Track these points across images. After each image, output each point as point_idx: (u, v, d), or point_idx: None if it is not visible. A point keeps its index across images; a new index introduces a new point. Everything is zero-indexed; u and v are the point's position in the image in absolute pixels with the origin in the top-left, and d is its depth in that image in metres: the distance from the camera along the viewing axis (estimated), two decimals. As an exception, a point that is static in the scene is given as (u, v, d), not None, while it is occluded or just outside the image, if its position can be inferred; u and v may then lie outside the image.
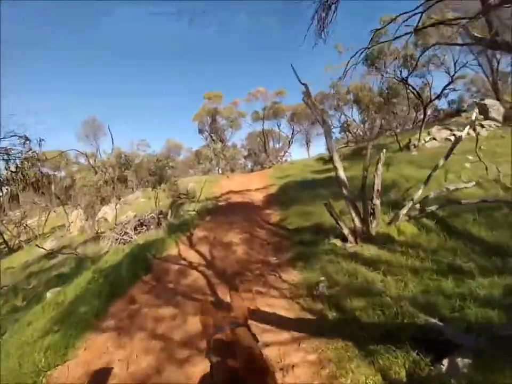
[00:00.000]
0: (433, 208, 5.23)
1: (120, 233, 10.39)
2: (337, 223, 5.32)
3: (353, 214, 5.23)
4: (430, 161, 11.99)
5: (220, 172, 25.71)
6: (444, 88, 16.83)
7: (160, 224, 10.48)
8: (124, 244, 10.20)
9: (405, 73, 17.58)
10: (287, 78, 68.38)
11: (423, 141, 15.87)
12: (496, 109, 17.91)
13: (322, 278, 4.40)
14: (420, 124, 22.68)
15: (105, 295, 6.08)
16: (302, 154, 43.53)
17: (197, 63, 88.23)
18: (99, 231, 13.66)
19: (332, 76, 28.39)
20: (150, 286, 6.16)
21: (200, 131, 28.11)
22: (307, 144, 39.18)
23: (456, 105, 21.73)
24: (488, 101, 18.58)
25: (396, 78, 17.43)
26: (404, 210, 5.27)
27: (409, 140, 17.08)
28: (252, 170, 38.22)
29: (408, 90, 18.42)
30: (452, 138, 16.91)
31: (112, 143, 22.96)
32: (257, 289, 5.07)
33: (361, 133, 27.90)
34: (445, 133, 17.56)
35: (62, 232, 21.14)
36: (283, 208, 10.52)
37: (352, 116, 29.29)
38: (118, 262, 7.91)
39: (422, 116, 21.55)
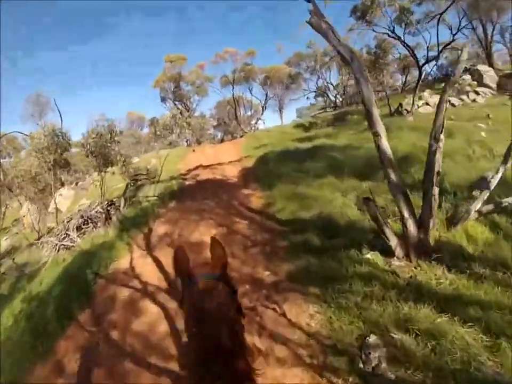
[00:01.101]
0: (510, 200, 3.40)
1: (61, 237, 8.02)
2: (382, 230, 3.36)
3: (406, 213, 3.28)
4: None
5: (187, 144, 23.06)
6: (445, 47, 14.97)
7: (110, 219, 8.18)
8: (68, 249, 7.89)
9: (397, 30, 15.55)
10: (257, 38, 63.57)
11: (416, 106, 14.21)
12: (490, 75, 16.67)
13: (374, 338, 2.49)
14: (410, 87, 21.02)
15: (18, 365, 4.04)
16: (275, 121, 41.09)
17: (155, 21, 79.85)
18: (43, 232, 11.01)
19: (308, 34, 25.86)
20: (86, 335, 4.06)
21: (163, 99, 24.82)
22: (280, 110, 36.76)
23: (445, 70, 20.07)
24: (481, 67, 17.24)
25: (389, 34, 15.29)
26: (477, 205, 3.40)
27: (400, 104, 15.40)
28: (222, 141, 35.50)
29: (399, 51, 16.58)
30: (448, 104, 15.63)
31: (61, 120, 19.48)
32: (251, 341, 3.14)
33: (340, 98, 25.87)
34: (438, 98, 16.15)
35: (18, 228, 18.33)
36: (266, 187, 8.49)
37: (330, 79, 27.09)
38: (51, 286, 5.78)
39: (411, 79, 19.94)
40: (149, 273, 5.10)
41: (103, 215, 8.11)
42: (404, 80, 20.39)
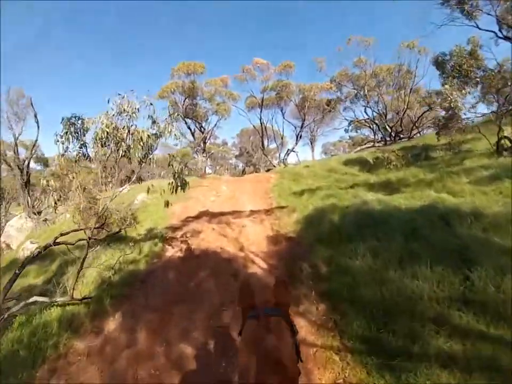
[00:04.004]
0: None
1: None
2: None
3: None
4: None
5: (204, 171, 18.03)
6: None
7: None
8: None
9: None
10: (293, 52, 59.44)
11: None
12: None
13: None
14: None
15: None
16: (303, 155, 35.70)
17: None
18: None
19: (358, 50, 21.01)
20: None
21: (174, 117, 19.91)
22: (311, 142, 31.60)
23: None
24: None
25: (497, 33, 10.12)
26: None
27: (504, 137, 9.87)
28: (243, 172, 30.34)
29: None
30: None
31: (38, 127, 14.77)
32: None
33: (391, 129, 20.30)
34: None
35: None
36: (376, 342, 2.89)
37: (381, 107, 21.84)
38: None
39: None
40: None
41: None
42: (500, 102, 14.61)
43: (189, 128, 18.93)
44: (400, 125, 19.86)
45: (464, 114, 12.48)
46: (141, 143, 3.73)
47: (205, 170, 24.55)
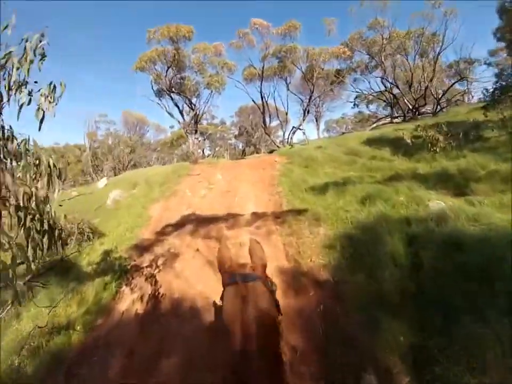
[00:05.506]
0: None
1: None
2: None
3: None
4: None
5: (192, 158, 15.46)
6: None
7: None
8: None
9: None
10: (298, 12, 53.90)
11: None
12: None
13: None
14: None
15: None
16: (307, 133, 32.74)
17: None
18: None
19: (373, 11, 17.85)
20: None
21: (159, 93, 17.00)
22: (317, 119, 28.73)
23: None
24: None
25: None
26: None
27: None
28: (243, 153, 27.76)
29: None
30: None
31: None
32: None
33: (415, 103, 17.49)
34: None
35: None
36: None
37: (396, 75, 19.01)
38: None
39: None
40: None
41: None
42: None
43: (176, 105, 16.18)
44: (424, 98, 17.09)
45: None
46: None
47: (202, 152, 21.95)
